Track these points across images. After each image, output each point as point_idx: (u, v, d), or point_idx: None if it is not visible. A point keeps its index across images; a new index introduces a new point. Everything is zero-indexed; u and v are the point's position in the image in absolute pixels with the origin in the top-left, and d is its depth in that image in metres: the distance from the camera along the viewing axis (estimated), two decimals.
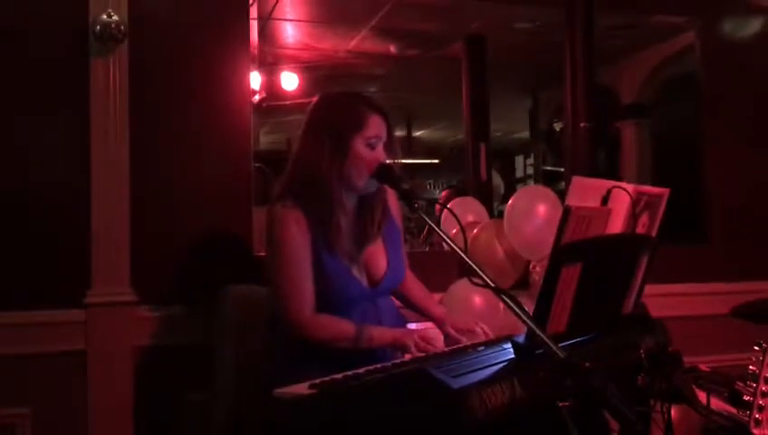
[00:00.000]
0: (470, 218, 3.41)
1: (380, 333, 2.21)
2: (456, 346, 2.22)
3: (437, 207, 4.95)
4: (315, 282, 2.23)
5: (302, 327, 2.20)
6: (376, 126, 2.26)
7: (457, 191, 5.63)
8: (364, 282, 2.33)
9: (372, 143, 2.24)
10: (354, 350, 2.17)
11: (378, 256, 2.37)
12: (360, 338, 2.17)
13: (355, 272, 2.30)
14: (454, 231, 2.86)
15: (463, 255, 1.86)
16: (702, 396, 2.13)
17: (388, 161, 2.28)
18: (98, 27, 2.82)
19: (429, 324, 2.48)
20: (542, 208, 2.97)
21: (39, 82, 2.86)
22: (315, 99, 2.38)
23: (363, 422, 1.53)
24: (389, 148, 2.30)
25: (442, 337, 2.34)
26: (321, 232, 2.23)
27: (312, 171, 2.24)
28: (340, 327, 2.20)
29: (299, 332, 2.20)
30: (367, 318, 2.26)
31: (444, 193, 5.87)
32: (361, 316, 2.26)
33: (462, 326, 2.34)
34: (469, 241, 2.84)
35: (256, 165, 3.21)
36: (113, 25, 2.82)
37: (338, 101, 2.35)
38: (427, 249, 4.20)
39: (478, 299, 2.96)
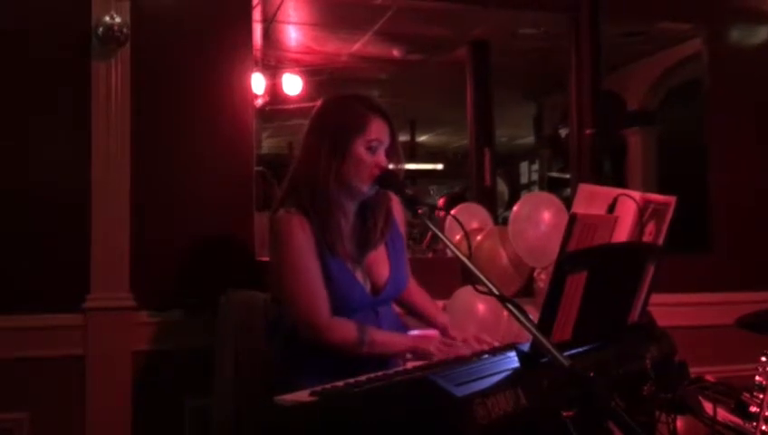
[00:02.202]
0: (474, 225, 3.39)
1: (400, 339, 2.20)
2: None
3: (440, 213, 4.93)
4: None
5: (322, 331, 2.17)
6: (377, 129, 2.24)
7: (457, 197, 5.60)
8: (367, 288, 2.31)
9: (373, 147, 2.22)
10: (366, 355, 2.15)
11: (380, 263, 2.35)
12: (374, 343, 2.15)
13: (358, 277, 2.29)
14: (458, 237, 2.84)
15: (466, 262, 1.85)
16: (708, 407, 2.11)
17: (390, 167, 2.26)
18: (100, 29, 2.82)
19: (431, 332, 2.44)
20: (546, 215, 2.96)
21: (41, 84, 2.86)
22: (320, 101, 2.36)
23: (365, 430, 1.51)
24: (392, 153, 2.29)
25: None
26: (322, 235, 2.22)
27: (310, 173, 2.22)
28: (358, 330, 2.17)
29: (317, 336, 2.17)
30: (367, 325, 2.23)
31: (441, 200, 5.83)
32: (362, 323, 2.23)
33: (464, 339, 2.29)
34: (473, 248, 2.83)
35: (258, 169, 3.19)
36: (115, 28, 2.81)
37: (340, 103, 2.32)
38: (431, 255, 4.18)
39: (482, 306, 2.94)
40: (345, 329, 2.17)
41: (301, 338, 2.20)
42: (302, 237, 2.19)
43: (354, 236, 2.32)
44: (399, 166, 2.31)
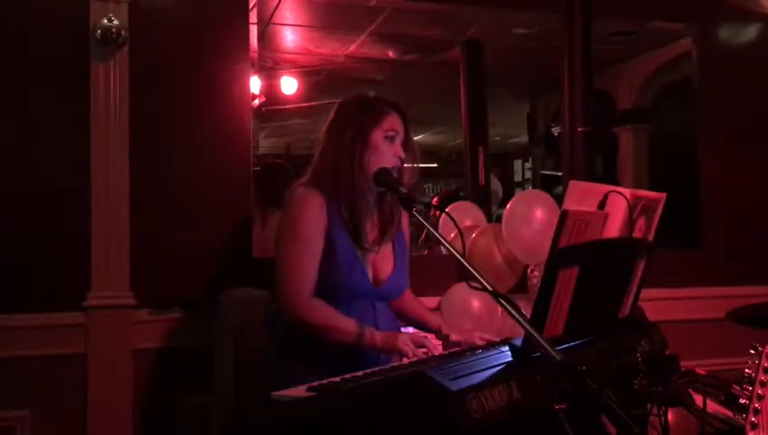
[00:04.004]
0: (468, 223, 3.42)
1: (372, 334, 2.21)
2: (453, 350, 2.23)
3: (435, 212, 4.95)
4: (323, 268, 2.25)
5: (297, 309, 2.21)
6: (393, 121, 2.34)
7: (451, 195, 5.60)
8: (369, 275, 2.35)
9: (390, 136, 2.31)
10: (350, 347, 2.18)
11: (386, 259, 2.40)
12: (363, 335, 2.17)
13: (363, 264, 2.32)
14: (452, 235, 2.87)
15: (461, 259, 1.87)
16: (698, 399, 2.13)
17: (389, 167, 2.29)
18: (98, 32, 2.84)
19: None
20: (539, 213, 2.97)
21: (40, 85, 2.87)
22: (340, 100, 2.45)
23: (361, 425, 1.53)
24: (407, 147, 2.36)
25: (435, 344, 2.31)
26: (339, 218, 2.26)
27: (335, 162, 2.29)
28: (336, 317, 2.20)
29: (294, 314, 2.21)
30: (364, 320, 2.26)
31: (435, 198, 5.82)
32: (359, 317, 2.26)
33: (458, 339, 2.32)
34: (468, 245, 2.85)
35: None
36: (114, 30, 2.83)
37: (358, 99, 2.44)
38: (426, 253, 4.20)
39: (476, 303, 2.97)
40: (322, 312, 2.21)
41: (286, 318, 2.24)
42: (312, 214, 2.25)
43: (370, 225, 2.37)
44: (414, 162, 2.39)
